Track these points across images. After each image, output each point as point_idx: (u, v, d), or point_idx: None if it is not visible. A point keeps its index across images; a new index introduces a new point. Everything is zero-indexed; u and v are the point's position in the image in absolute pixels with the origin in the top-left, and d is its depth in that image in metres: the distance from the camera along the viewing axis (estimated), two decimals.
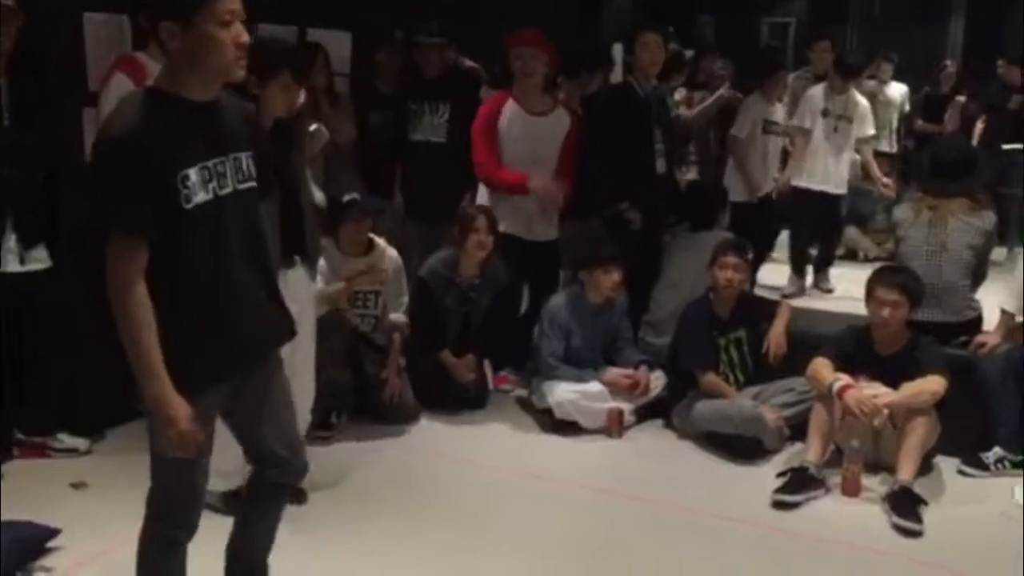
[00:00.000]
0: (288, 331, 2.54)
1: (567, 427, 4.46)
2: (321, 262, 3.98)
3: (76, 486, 3.70)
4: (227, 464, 3.15)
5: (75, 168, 4.00)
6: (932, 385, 3.84)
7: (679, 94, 6.70)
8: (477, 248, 4.57)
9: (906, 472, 3.74)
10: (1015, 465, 4.04)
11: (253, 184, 2.33)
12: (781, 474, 3.88)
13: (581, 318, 4.63)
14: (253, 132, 2.41)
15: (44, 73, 3.90)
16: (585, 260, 4.65)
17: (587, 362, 4.62)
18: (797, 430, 4.16)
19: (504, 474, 4.05)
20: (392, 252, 4.57)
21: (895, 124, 8.75)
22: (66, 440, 3.98)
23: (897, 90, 8.82)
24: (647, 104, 5.02)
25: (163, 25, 2.13)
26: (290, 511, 2.83)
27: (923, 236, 4.52)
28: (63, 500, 3.58)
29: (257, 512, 2.68)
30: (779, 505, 3.74)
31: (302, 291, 3.46)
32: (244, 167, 2.30)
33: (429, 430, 4.50)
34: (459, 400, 4.70)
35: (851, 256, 7.68)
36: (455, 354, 4.71)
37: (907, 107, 8.94)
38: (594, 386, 4.50)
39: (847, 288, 6.04)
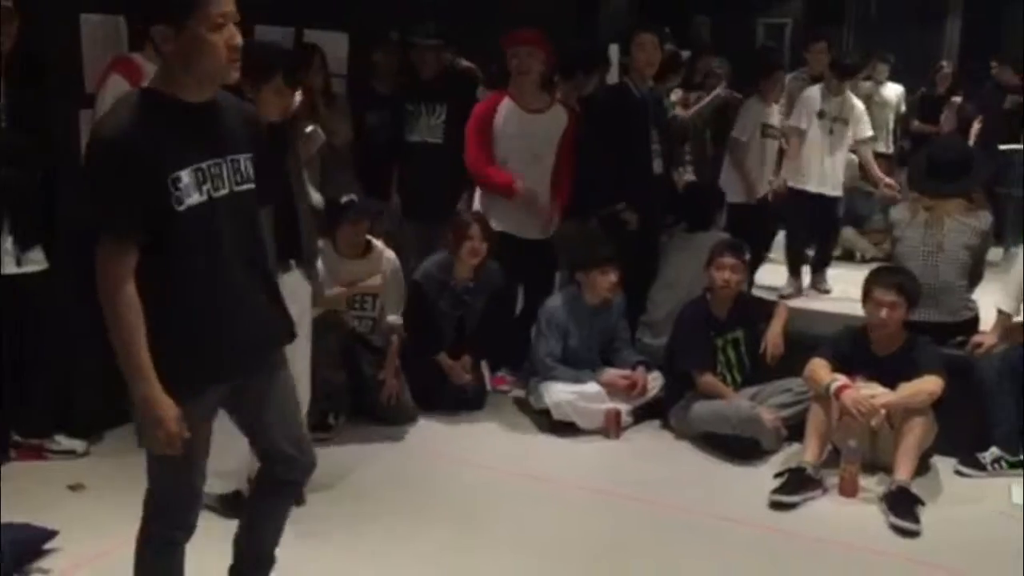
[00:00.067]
0: (288, 332, 2.53)
1: (564, 428, 4.46)
2: (319, 264, 3.97)
3: (73, 488, 3.70)
4: (225, 466, 3.15)
5: (72, 169, 3.99)
6: (929, 385, 3.85)
7: (675, 95, 6.69)
8: (471, 255, 4.60)
9: (903, 472, 3.74)
10: (1012, 465, 4.05)
11: (252, 186, 2.33)
12: (779, 474, 3.88)
13: (578, 319, 4.63)
14: (254, 134, 2.40)
15: (41, 75, 3.90)
16: (582, 261, 4.66)
17: (584, 363, 4.62)
18: (794, 430, 4.17)
19: (502, 475, 4.05)
20: (390, 254, 4.57)
21: (891, 125, 8.77)
22: (63, 442, 3.97)
23: (893, 91, 8.84)
24: (643, 105, 5.02)
25: (156, 28, 2.15)
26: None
27: (919, 236, 4.53)
28: (60, 502, 3.57)
29: (264, 507, 2.69)
30: (777, 505, 3.74)
31: (299, 294, 3.45)
32: (242, 169, 2.30)
33: (427, 431, 4.50)
34: (457, 401, 4.70)
35: (848, 257, 7.69)
36: (451, 356, 4.71)
37: (903, 108, 8.96)
38: (591, 387, 4.50)
39: (844, 289, 6.04)
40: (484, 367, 4.92)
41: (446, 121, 5.23)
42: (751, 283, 5.50)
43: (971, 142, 7.51)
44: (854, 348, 4.05)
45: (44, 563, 3.15)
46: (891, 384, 3.89)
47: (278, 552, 2.74)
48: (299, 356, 3.50)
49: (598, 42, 6.30)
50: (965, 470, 4.07)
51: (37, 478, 3.76)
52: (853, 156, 6.80)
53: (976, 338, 4.31)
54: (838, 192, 6.53)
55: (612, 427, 4.43)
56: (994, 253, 5.75)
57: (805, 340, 4.33)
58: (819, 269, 6.80)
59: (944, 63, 9.49)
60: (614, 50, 6.14)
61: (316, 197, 4.62)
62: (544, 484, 3.98)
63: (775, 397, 4.32)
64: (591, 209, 4.98)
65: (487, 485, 3.95)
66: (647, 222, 4.96)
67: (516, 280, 4.99)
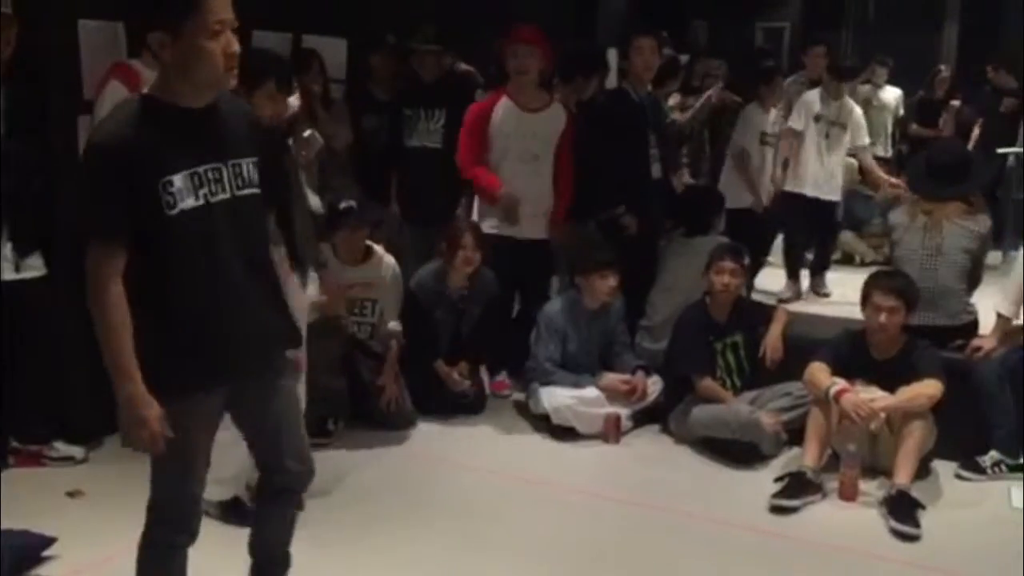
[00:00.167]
0: (291, 338, 2.53)
1: (564, 432, 4.46)
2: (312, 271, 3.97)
3: (72, 494, 3.69)
4: (224, 473, 3.15)
5: (71, 176, 3.99)
6: (928, 389, 3.85)
7: (674, 99, 6.71)
8: (464, 264, 4.62)
9: (903, 476, 3.74)
10: (1012, 468, 4.05)
11: (254, 190, 2.32)
12: (778, 479, 3.88)
13: (577, 323, 4.63)
14: (260, 138, 2.40)
15: (40, 80, 3.90)
16: (581, 265, 4.66)
17: (584, 367, 4.62)
18: (794, 435, 4.17)
19: (501, 479, 4.05)
20: (390, 260, 4.58)
21: (890, 128, 8.78)
22: (62, 448, 3.97)
23: (891, 94, 8.85)
24: (642, 109, 5.03)
25: (153, 35, 2.16)
26: None
27: (919, 240, 4.53)
28: (59, 508, 3.56)
29: (266, 514, 2.69)
30: (777, 510, 3.74)
31: (294, 300, 3.45)
32: (244, 173, 2.30)
33: (426, 435, 4.50)
34: (456, 405, 4.70)
35: (847, 260, 7.69)
36: (449, 363, 4.72)
37: (901, 111, 8.97)
38: (591, 391, 4.50)
39: (843, 292, 6.04)
40: (483, 372, 4.92)
41: (445, 125, 5.24)
42: (750, 287, 5.50)
43: (971, 146, 7.51)
44: (853, 352, 4.04)
45: (43, 570, 3.14)
46: (890, 388, 3.89)
47: None
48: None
49: (597, 46, 6.31)
50: (965, 474, 4.07)
51: (36, 484, 3.75)
52: (851, 160, 6.80)
53: (975, 342, 4.31)
54: (836, 196, 6.54)
55: (611, 431, 4.43)
56: (993, 256, 5.75)
57: (804, 344, 4.33)
58: (818, 273, 6.81)
59: (942, 67, 9.49)
60: (612, 54, 6.15)
61: (315, 201, 4.63)
62: (543, 488, 3.97)
63: (775, 401, 4.32)
64: (590, 213, 4.98)
65: (486, 489, 3.95)
66: (646, 226, 4.96)
67: (513, 282, 4.99)
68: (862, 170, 6.82)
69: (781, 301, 5.90)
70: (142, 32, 2.18)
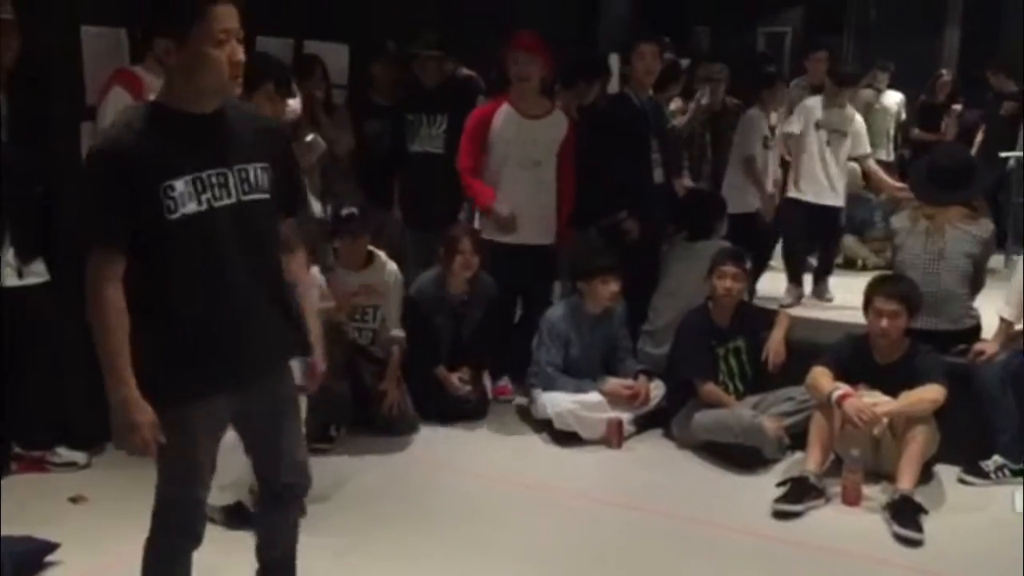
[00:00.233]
0: (298, 346, 2.53)
1: (566, 437, 4.45)
2: (319, 276, 3.98)
3: (75, 500, 3.69)
4: (226, 478, 3.15)
5: (73, 182, 3.99)
6: (931, 394, 3.84)
7: (675, 103, 6.71)
8: (463, 268, 4.63)
9: (906, 481, 3.74)
10: (1015, 473, 4.04)
11: (262, 196, 2.32)
12: (781, 483, 3.88)
13: (580, 328, 4.64)
14: (273, 145, 2.39)
15: (43, 87, 3.91)
16: (583, 270, 4.66)
17: (586, 372, 4.62)
18: (797, 439, 4.16)
19: (503, 484, 4.04)
20: (392, 266, 4.58)
21: (892, 132, 8.78)
22: (64, 454, 3.97)
23: (893, 98, 8.85)
24: (643, 114, 5.04)
25: (159, 42, 2.17)
26: None
27: (921, 245, 4.53)
28: (62, 514, 3.56)
29: (268, 519, 2.69)
30: (779, 514, 3.73)
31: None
32: (251, 178, 2.30)
33: (429, 440, 4.50)
34: (458, 411, 4.70)
35: (849, 265, 7.68)
36: (450, 368, 4.72)
37: (903, 115, 8.97)
38: (593, 396, 4.50)
39: (845, 297, 6.02)
40: (486, 377, 4.92)
41: (447, 131, 5.25)
42: (752, 292, 5.50)
43: (974, 150, 7.51)
44: (856, 356, 4.04)
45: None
46: (893, 392, 3.88)
47: None
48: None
49: (599, 51, 6.31)
50: (968, 478, 4.06)
51: (38, 490, 3.75)
52: (854, 164, 6.80)
53: (978, 346, 4.30)
54: (839, 202, 6.53)
55: (614, 436, 4.43)
56: (995, 261, 5.74)
57: (807, 348, 4.33)
58: (821, 278, 6.79)
59: (943, 71, 9.50)
60: (614, 60, 6.16)
61: (316, 207, 4.64)
62: (546, 493, 3.97)
63: (777, 406, 4.32)
64: (592, 219, 4.98)
65: (489, 494, 3.95)
66: (648, 231, 4.96)
67: (515, 288, 5.00)
68: (865, 174, 6.82)
69: (783, 306, 5.89)
70: (148, 39, 2.20)
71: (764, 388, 4.45)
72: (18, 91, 3.74)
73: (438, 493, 3.94)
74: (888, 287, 4.04)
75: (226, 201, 2.25)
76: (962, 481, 4.07)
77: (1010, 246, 7.26)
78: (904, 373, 3.94)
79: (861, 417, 3.78)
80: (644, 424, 4.61)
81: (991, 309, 4.45)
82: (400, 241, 5.30)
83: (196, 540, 2.44)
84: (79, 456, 3.98)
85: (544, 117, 4.83)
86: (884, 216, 6.93)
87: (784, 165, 6.54)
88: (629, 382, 4.60)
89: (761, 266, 6.28)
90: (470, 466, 4.22)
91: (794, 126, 6.34)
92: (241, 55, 2.21)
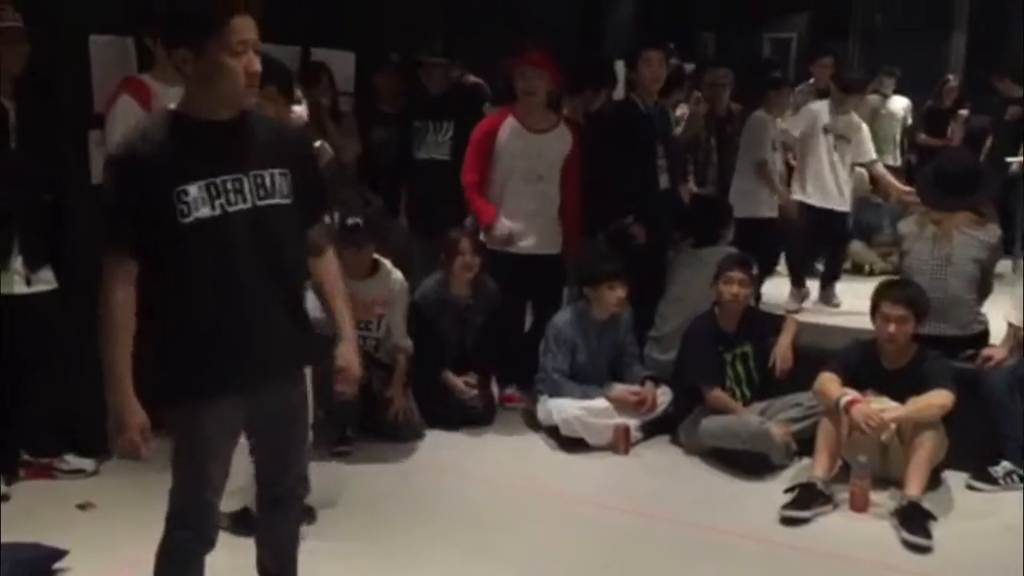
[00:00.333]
0: (311, 353, 2.54)
1: (573, 444, 4.45)
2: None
3: (83, 507, 3.69)
4: (233, 484, 3.13)
5: (82, 190, 4.02)
6: (939, 399, 3.83)
7: (681, 109, 6.71)
8: (464, 269, 4.64)
9: (914, 487, 3.72)
10: None
11: (279, 201, 2.34)
12: (789, 490, 3.87)
13: (586, 334, 4.64)
14: (292, 150, 2.42)
15: (51, 95, 3.93)
16: (590, 276, 4.66)
17: (593, 378, 4.62)
18: (804, 445, 4.15)
19: (510, 491, 4.04)
20: (397, 275, 4.58)
21: (898, 138, 8.77)
22: (72, 461, 3.98)
23: (900, 104, 8.85)
24: (649, 120, 5.04)
25: (178, 51, 2.23)
26: None
27: (928, 250, 4.52)
28: (70, 521, 3.57)
29: (267, 523, 2.70)
30: (787, 521, 3.72)
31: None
32: (267, 184, 2.32)
33: (436, 446, 4.50)
34: (465, 417, 4.70)
35: (857, 270, 7.67)
36: (456, 373, 4.72)
37: (910, 121, 8.97)
38: (600, 402, 4.49)
39: (853, 302, 6.02)
40: (493, 383, 4.93)
41: (453, 138, 5.26)
42: (759, 297, 5.49)
43: (983, 156, 7.50)
44: (863, 362, 4.03)
45: None
46: (901, 398, 3.88)
47: None
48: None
49: (605, 59, 6.32)
50: (977, 484, 4.05)
51: (46, 497, 3.76)
52: (862, 169, 6.80)
53: (986, 351, 4.29)
54: (846, 207, 6.53)
55: (621, 443, 4.42)
56: (1003, 266, 5.73)
57: (814, 354, 4.32)
58: (828, 284, 6.78)
59: (950, 76, 9.50)
60: (620, 66, 6.17)
61: None
62: (553, 500, 3.97)
63: (785, 412, 4.31)
64: (599, 225, 4.99)
65: (495, 501, 3.94)
66: (654, 237, 4.96)
67: (524, 297, 5.00)
68: (873, 179, 6.81)
69: (789, 311, 5.89)
70: (168, 48, 2.26)
71: (771, 394, 4.44)
72: (27, 99, 3.76)
73: (444, 498, 3.94)
74: (895, 292, 4.03)
75: (241, 206, 2.28)
76: (970, 487, 4.05)
77: (1017, 251, 7.24)
78: (912, 379, 3.93)
79: (869, 423, 3.77)
80: (651, 430, 4.60)
81: (999, 314, 4.44)
82: (406, 248, 5.31)
83: (209, 544, 2.45)
84: (87, 463, 3.99)
85: (549, 131, 4.83)
86: (892, 221, 6.91)
87: (788, 168, 6.54)
88: (636, 388, 4.60)
89: (766, 271, 6.27)
90: (476, 472, 4.22)
91: (796, 128, 6.34)
92: (257, 65, 2.26)
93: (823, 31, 11.44)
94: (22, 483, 3.86)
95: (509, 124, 4.79)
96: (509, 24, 6.60)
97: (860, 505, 3.82)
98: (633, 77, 5.23)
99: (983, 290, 4.56)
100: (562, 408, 4.45)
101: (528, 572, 3.35)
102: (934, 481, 3.95)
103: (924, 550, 3.51)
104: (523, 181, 4.78)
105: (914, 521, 3.60)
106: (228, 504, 3.29)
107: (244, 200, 2.28)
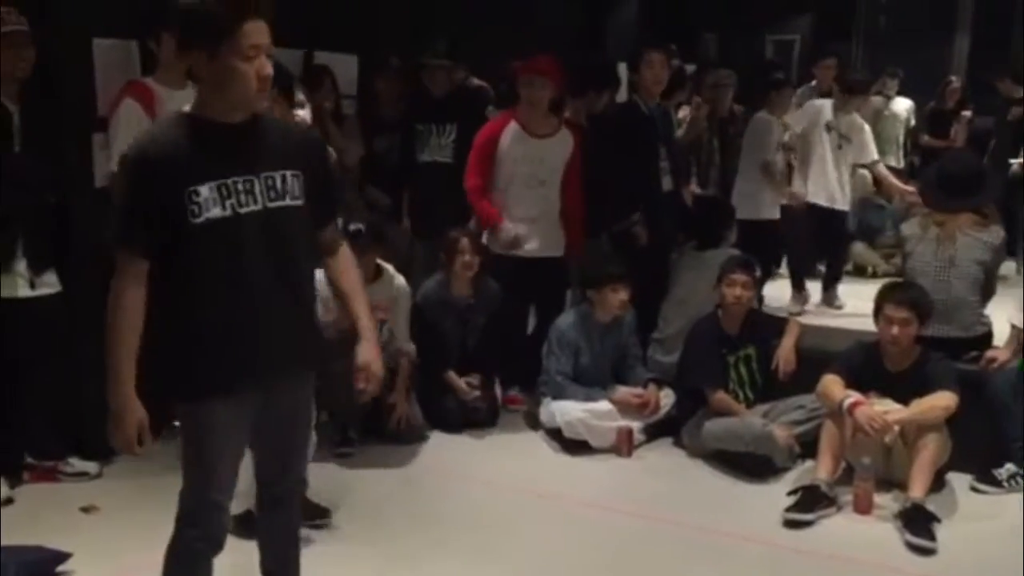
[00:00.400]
0: (317, 358, 2.56)
1: (576, 446, 4.45)
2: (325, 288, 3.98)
3: (86, 510, 3.70)
4: (238, 486, 3.15)
5: (85, 193, 4.03)
6: (943, 401, 3.83)
7: (683, 112, 6.71)
8: (465, 269, 4.66)
9: (918, 489, 3.72)
10: None
11: (290, 203, 2.37)
12: (792, 492, 3.86)
13: (590, 336, 4.64)
14: (305, 153, 2.45)
15: (55, 99, 3.93)
16: (593, 278, 4.66)
17: (596, 380, 4.62)
18: (808, 447, 4.15)
19: (513, 492, 4.04)
20: (400, 280, 4.58)
21: (901, 139, 8.77)
22: (76, 464, 3.98)
23: (902, 105, 8.85)
24: (652, 122, 5.05)
25: (192, 54, 2.27)
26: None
27: (931, 252, 4.51)
28: (73, 524, 3.57)
29: (267, 523, 2.71)
30: (790, 523, 3.72)
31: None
32: (278, 186, 2.35)
33: (439, 448, 4.50)
34: (469, 419, 4.70)
35: (860, 272, 7.67)
36: (459, 374, 4.73)
37: (913, 122, 8.96)
38: (603, 405, 4.50)
39: (856, 304, 6.02)
40: (497, 385, 4.93)
41: (456, 141, 5.26)
42: (762, 299, 5.49)
43: (987, 157, 7.49)
44: (867, 364, 4.03)
45: None
46: (904, 400, 3.87)
47: None
48: None
49: (607, 61, 6.33)
50: (981, 486, 4.05)
51: (50, 500, 3.76)
52: (864, 171, 6.79)
53: (990, 353, 4.28)
54: (846, 207, 6.52)
55: (624, 445, 4.42)
56: (1006, 268, 5.72)
57: (817, 356, 4.31)
58: (830, 285, 6.78)
59: (953, 78, 9.49)
60: (622, 68, 6.17)
61: None
62: (555, 502, 3.97)
63: (788, 414, 4.31)
64: (602, 226, 4.99)
65: (498, 503, 3.94)
66: (657, 239, 4.96)
67: (527, 300, 5.00)
68: (876, 180, 6.81)
69: (792, 313, 5.88)
70: (182, 50, 2.30)
71: (774, 396, 4.44)
72: (31, 102, 3.77)
73: (447, 501, 3.94)
74: (899, 294, 4.02)
75: (252, 207, 2.31)
76: (974, 489, 4.05)
77: (1020, 252, 7.23)
78: (915, 381, 3.92)
79: (872, 425, 3.77)
80: (654, 433, 4.60)
81: (1002, 316, 4.43)
82: (409, 252, 5.31)
83: (217, 546, 2.46)
84: (91, 466, 3.99)
85: (552, 136, 4.84)
86: (894, 223, 6.91)
87: (788, 168, 6.53)
88: (639, 390, 4.60)
89: (768, 273, 6.27)
90: (479, 474, 4.22)
91: (798, 124, 6.34)
92: (269, 69, 2.30)
93: (826, 32, 11.43)
94: (26, 486, 3.87)
95: (511, 129, 4.79)
96: (511, 26, 6.60)
97: (864, 507, 3.82)
98: (635, 79, 5.23)
99: (986, 292, 4.55)
100: (565, 410, 4.45)
101: (531, 574, 3.35)
102: (938, 483, 3.94)
103: (928, 552, 3.51)
104: (525, 186, 4.79)
105: (918, 523, 3.60)
106: (233, 506, 3.31)
107: (255, 201, 2.31)
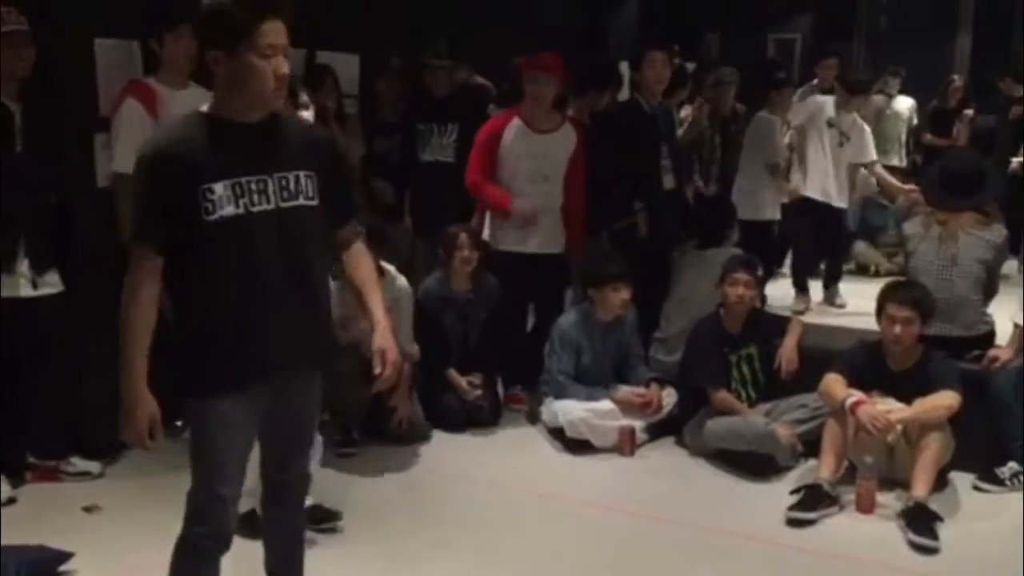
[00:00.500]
0: (325, 357, 2.57)
1: (578, 445, 4.45)
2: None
3: (88, 509, 3.69)
4: (245, 484, 3.15)
5: (87, 193, 4.03)
6: (945, 400, 3.83)
7: (685, 110, 6.70)
8: (464, 264, 4.67)
9: (921, 488, 3.72)
10: None
11: (303, 203, 2.38)
12: (795, 491, 3.86)
13: (591, 336, 4.63)
14: (320, 154, 2.47)
15: (57, 98, 3.94)
16: (594, 277, 4.66)
17: (598, 380, 4.62)
18: (810, 446, 4.15)
19: (515, 492, 4.04)
20: (402, 281, 4.58)
21: (904, 138, 8.76)
22: (78, 463, 3.98)
23: (904, 104, 8.84)
24: (654, 120, 5.04)
25: (210, 53, 2.30)
26: None
27: (933, 251, 4.51)
28: (76, 524, 3.57)
29: (268, 520, 2.73)
30: (793, 522, 3.72)
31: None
32: (292, 186, 2.37)
33: (441, 448, 4.50)
34: (471, 418, 4.70)
35: (862, 271, 7.66)
36: (461, 373, 4.73)
37: (915, 121, 8.96)
38: (605, 404, 4.49)
39: (858, 303, 6.01)
40: (499, 384, 4.93)
41: (457, 140, 5.26)
42: (764, 299, 5.49)
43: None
44: (869, 363, 4.03)
45: None
46: (907, 399, 3.87)
47: None
48: None
49: (610, 59, 6.33)
50: (983, 485, 4.04)
51: (52, 500, 3.76)
52: (865, 171, 6.78)
53: (992, 352, 4.28)
54: (844, 204, 6.52)
55: (626, 444, 4.42)
56: (1009, 266, 5.72)
57: (820, 355, 4.31)
58: (831, 284, 6.77)
59: (955, 76, 9.49)
60: (624, 67, 6.17)
61: None
62: (557, 502, 3.96)
63: (790, 413, 4.30)
64: (604, 224, 4.98)
65: (500, 502, 3.94)
66: (659, 238, 4.96)
67: (527, 298, 5.00)
68: (877, 180, 6.80)
69: (795, 312, 5.88)
70: (201, 49, 2.34)
71: (777, 395, 4.43)
72: (32, 102, 3.77)
73: (449, 501, 3.94)
74: (901, 293, 4.02)
75: (265, 207, 2.33)
76: (977, 488, 4.05)
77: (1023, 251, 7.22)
78: (918, 380, 3.92)
79: (875, 424, 3.76)
80: (656, 432, 4.60)
81: (1005, 315, 4.42)
82: (410, 251, 5.31)
83: (224, 545, 2.46)
84: (93, 466, 3.99)
85: (554, 132, 4.83)
86: (897, 222, 6.90)
87: (787, 166, 6.53)
88: (641, 390, 4.60)
89: (769, 272, 6.26)
90: (481, 474, 4.22)
91: (796, 118, 6.34)
92: (286, 69, 2.32)
93: (827, 32, 11.43)
94: (28, 486, 3.87)
95: (514, 125, 4.79)
96: (512, 26, 6.61)
97: (866, 506, 3.81)
98: (637, 78, 5.22)
99: (989, 291, 4.55)
100: (567, 410, 4.44)
101: (533, 573, 3.35)
102: (940, 482, 3.94)
103: (931, 551, 3.51)
104: (528, 181, 4.78)
105: (920, 522, 3.60)
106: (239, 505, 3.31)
107: (268, 201, 2.34)
